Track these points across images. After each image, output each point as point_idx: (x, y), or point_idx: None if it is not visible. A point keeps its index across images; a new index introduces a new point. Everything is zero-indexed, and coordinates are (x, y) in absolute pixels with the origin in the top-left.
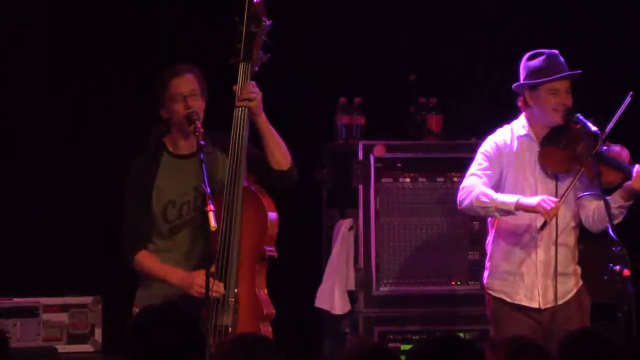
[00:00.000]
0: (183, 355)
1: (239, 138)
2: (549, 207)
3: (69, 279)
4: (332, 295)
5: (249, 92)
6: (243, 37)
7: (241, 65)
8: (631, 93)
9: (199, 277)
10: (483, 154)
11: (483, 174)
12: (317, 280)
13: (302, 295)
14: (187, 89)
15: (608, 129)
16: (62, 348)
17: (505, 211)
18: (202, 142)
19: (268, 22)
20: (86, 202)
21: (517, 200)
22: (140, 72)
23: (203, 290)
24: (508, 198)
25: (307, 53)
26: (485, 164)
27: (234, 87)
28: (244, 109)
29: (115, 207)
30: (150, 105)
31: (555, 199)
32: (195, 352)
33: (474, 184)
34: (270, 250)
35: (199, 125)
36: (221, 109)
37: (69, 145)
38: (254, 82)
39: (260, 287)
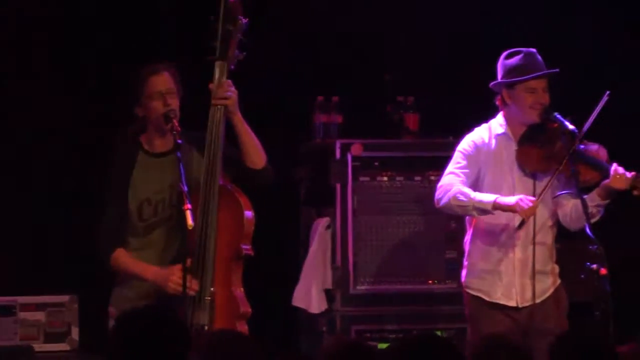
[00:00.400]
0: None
1: (215, 137)
2: (526, 206)
3: (46, 277)
4: (309, 294)
5: (225, 91)
6: (219, 36)
7: (217, 64)
8: (608, 92)
9: (174, 273)
10: (461, 152)
11: (461, 172)
12: (295, 279)
13: (279, 294)
14: (164, 87)
15: (585, 128)
16: (38, 347)
17: (483, 210)
18: (179, 141)
19: (244, 21)
20: (63, 201)
21: (495, 200)
22: (116, 71)
23: (178, 287)
24: (486, 197)
25: (284, 52)
26: (463, 162)
27: (210, 86)
28: (220, 108)
29: (91, 206)
30: (124, 103)
31: (532, 198)
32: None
33: (452, 183)
34: (247, 248)
35: (177, 124)
36: (197, 107)
37: (43, 144)
38: (230, 81)
39: (237, 285)
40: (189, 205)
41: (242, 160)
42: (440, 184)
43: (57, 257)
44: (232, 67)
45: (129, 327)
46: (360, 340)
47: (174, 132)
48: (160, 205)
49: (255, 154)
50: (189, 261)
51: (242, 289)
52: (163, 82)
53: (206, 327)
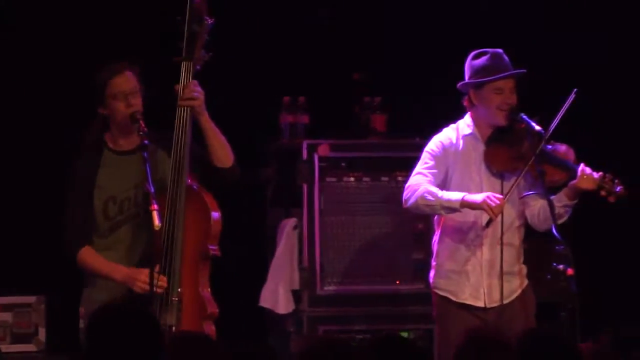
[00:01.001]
0: (142, 353)
1: (182, 137)
2: (493, 204)
3: (13, 278)
4: (277, 295)
5: (192, 92)
6: (185, 36)
7: (183, 64)
8: (575, 90)
9: (143, 273)
10: (429, 152)
11: (429, 172)
12: (262, 280)
13: (246, 295)
14: (128, 87)
15: (552, 126)
16: (5, 347)
17: (451, 209)
18: (145, 142)
19: (210, 21)
20: (29, 201)
21: (463, 198)
22: (80, 70)
23: (146, 287)
24: (453, 195)
25: (251, 51)
26: (431, 162)
27: (176, 87)
28: (187, 109)
29: (58, 205)
30: (87, 102)
31: (500, 196)
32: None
33: (419, 183)
34: (214, 249)
35: (143, 125)
36: (163, 108)
37: (7, 142)
38: (196, 82)
39: (204, 286)
40: (155, 206)
41: (209, 159)
42: (407, 184)
43: (24, 257)
44: (199, 67)
45: (103, 324)
46: (337, 338)
47: (141, 133)
48: (126, 203)
49: (223, 153)
50: (157, 265)
51: (209, 290)
52: (126, 82)
53: (173, 328)
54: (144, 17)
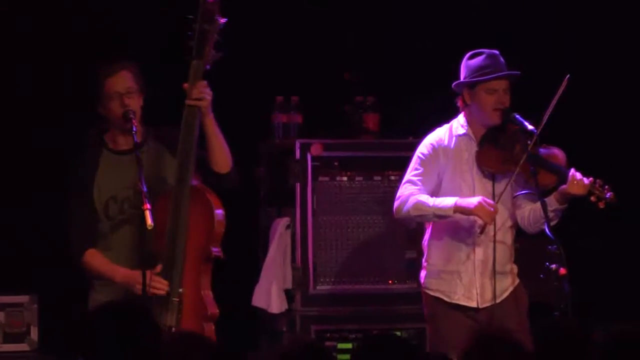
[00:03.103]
0: (141, 352)
1: (188, 137)
2: (487, 210)
3: (5, 277)
4: (269, 294)
5: (200, 92)
6: (196, 35)
7: (193, 63)
8: (568, 76)
9: (147, 273)
10: (419, 157)
11: (418, 180)
12: (254, 279)
13: (239, 294)
14: (122, 87)
15: (547, 115)
16: None
17: (444, 216)
18: (137, 141)
19: (222, 21)
20: (22, 200)
21: (455, 203)
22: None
23: (147, 289)
24: (446, 202)
25: (244, 50)
26: (421, 169)
27: (185, 86)
28: (195, 108)
29: (51, 205)
30: (89, 102)
31: (492, 202)
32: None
33: (410, 193)
34: (216, 250)
35: (135, 123)
36: (169, 104)
37: (1, 143)
38: (205, 82)
39: (205, 287)
40: (148, 206)
41: (208, 163)
42: (398, 194)
43: (17, 256)
44: (208, 67)
45: (103, 322)
46: (316, 341)
47: (134, 132)
48: (127, 202)
49: (222, 158)
50: (159, 266)
51: (210, 291)
52: (120, 82)
53: (174, 329)
54: (155, 15)
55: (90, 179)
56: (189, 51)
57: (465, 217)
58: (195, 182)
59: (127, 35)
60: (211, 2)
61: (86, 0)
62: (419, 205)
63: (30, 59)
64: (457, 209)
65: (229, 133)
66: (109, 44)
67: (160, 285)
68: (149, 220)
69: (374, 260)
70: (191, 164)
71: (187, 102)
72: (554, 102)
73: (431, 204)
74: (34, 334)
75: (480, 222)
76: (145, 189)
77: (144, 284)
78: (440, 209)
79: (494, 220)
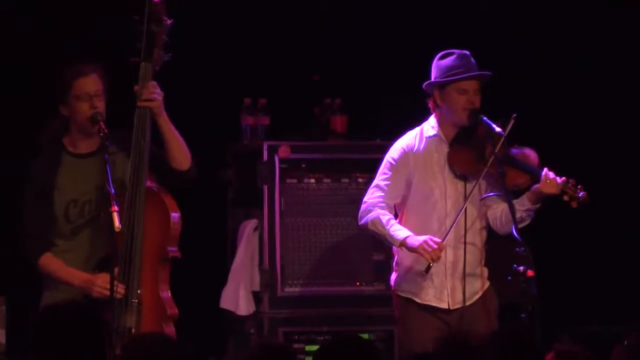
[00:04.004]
0: (86, 355)
1: (140, 138)
2: (430, 249)
3: None
4: (237, 296)
5: (151, 93)
6: (144, 37)
7: (142, 65)
8: (514, 115)
9: (100, 278)
10: (389, 161)
11: (385, 185)
12: (222, 281)
13: (207, 296)
14: (92, 89)
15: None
16: None
17: (392, 244)
18: (107, 144)
19: (169, 22)
20: None
21: (404, 238)
22: (38, 69)
23: (104, 291)
24: (398, 233)
25: (212, 52)
26: (389, 173)
27: (135, 88)
28: (146, 109)
29: (15, 206)
30: (45, 103)
31: (438, 240)
32: (97, 352)
33: (375, 203)
34: (173, 250)
35: (103, 126)
36: (121, 108)
37: None
38: (154, 83)
39: (163, 287)
40: (116, 208)
41: (167, 161)
42: (365, 198)
43: None
44: (157, 68)
45: (48, 323)
46: (284, 344)
47: (101, 134)
48: (87, 206)
49: (181, 155)
50: (116, 268)
51: (168, 291)
52: (91, 84)
53: (133, 330)
54: (103, 16)
55: (50, 183)
56: (137, 53)
57: (434, 216)
58: (150, 183)
59: (74, 37)
60: (157, 2)
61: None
62: (377, 222)
63: None
64: (403, 244)
65: (197, 135)
66: (60, 44)
67: (117, 289)
68: (117, 222)
69: (342, 262)
70: (145, 166)
71: (138, 103)
72: (502, 139)
73: (387, 227)
74: (1, 336)
75: (451, 219)
76: (113, 191)
77: (112, 284)
78: (392, 236)
79: (438, 258)
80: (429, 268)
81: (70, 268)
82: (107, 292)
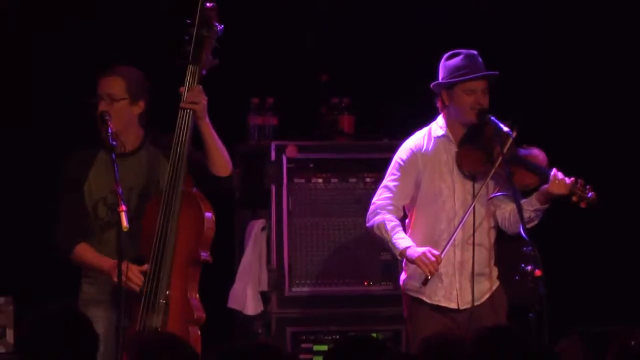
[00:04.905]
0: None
1: (181, 140)
2: (427, 262)
3: None
4: (245, 296)
5: (195, 96)
6: (194, 40)
7: (189, 68)
8: (514, 134)
9: (125, 265)
10: (397, 162)
11: (394, 186)
12: (230, 281)
13: (215, 296)
14: (104, 91)
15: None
16: None
17: (394, 251)
18: (113, 143)
19: (220, 27)
20: None
21: (405, 248)
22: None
23: (129, 282)
24: (400, 242)
25: (219, 52)
26: (398, 174)
27: (180, 89)
28: (189, 111)
29: (29, 207)
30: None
31: (436, 253)
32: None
33: (383, 206)
34: (205, 255)
35: (111, 126)
36: (166, 110)
37: None
38: (200, 87)
39: (192, 290)
40: (123, 207)
41: (208, 166)
42: (374, 199)
43: None
44: (204, 72)
45: (39, 328)
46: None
47: (108, 134)
48: (116, 205)
49: (221, 162)
50: (146, 265)
51: (197, 295)
52: (108, 85)
53: (159, 330)
54: (154, 19)
55: (82, 178)
56: (186, 55)
57: (443, 215)
58: (187, 186)
59: (124, 38)
60: (210, 7)
61: (85, 2)
62: (382, 227)
63: (28, 56)
64: (403, 254)
65: None
66: (105, 45)
67: (135, 280)
68: (124, 222)
69: (349, 262)
70: (183, 167)
71: (182, 105)
72: (511, 139)
73: (391, 234)
74: (10, 336)
75: (456, 220)
76: (120, 191)
77: (119, 276)
78: (394, 244)
79: (435, 271)
80: (426, 281)
81: (102, 256)
82: (127, 282)
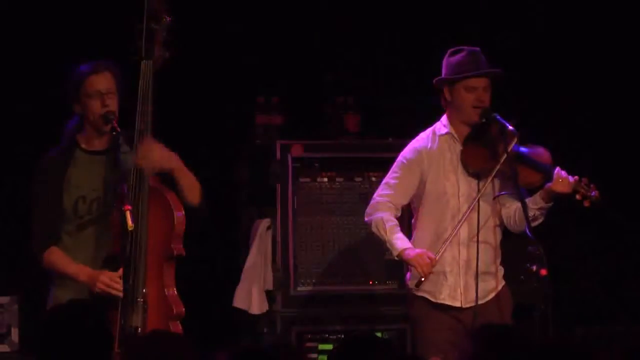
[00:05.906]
0: (91, 355)
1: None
2: (422, 263)
3: None
4: (250, 295)
5: (144, 149)
6: (143, 35)
7: (143, 64)
8: (516, 137)
9: (103, 274)
10: (401, 161)
11: (395, 184)
12: (235, 280)
13: (220, 295)
14: (104, 87)
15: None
16: None
17: (392, 251)
18: (119, 142)
19: (168, 19)
20: (1, 201)
21: (403, 249)
22: (45, 70)
23: (105, 288)
24: (397, 243)
25: (225, 51)
26: (400, 172)
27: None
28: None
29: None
30: (57, 101)
31: (432, 255)
32: (102, 352)
33: (382, 202)
34: (178, 248)
35: (116, 125)
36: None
37: None
38: (151, 138)
39: (169, 285)
40: (129, 206)
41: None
42: (374, 195)
43: None
44: (158, 66)
45: (53, 323)
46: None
47: (114, 133)
48: (95, 203)
49: (192, 194)
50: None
51: (174, 289)
52: (103, 81)
53: (139, 329)
54: (104, 15)
55: (60, 177)
56: (138, 51)
57: (448, 214)
58: (153, 183)
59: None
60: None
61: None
62: (380, 226)
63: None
64: (401, 255)
65: (211, 134)
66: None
67: (117, 286)
68: (130, 221)
69: (354, 261)
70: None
71: (134, 160)
72: (515, 138)
73: (389, 234)
74: (15, 335)
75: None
76: (126, 190)
77: (125, 282)
78: (392, 244)
79: (429, 272)
80: (419, 283)
81: (78, 264)
82: (108, 290)
